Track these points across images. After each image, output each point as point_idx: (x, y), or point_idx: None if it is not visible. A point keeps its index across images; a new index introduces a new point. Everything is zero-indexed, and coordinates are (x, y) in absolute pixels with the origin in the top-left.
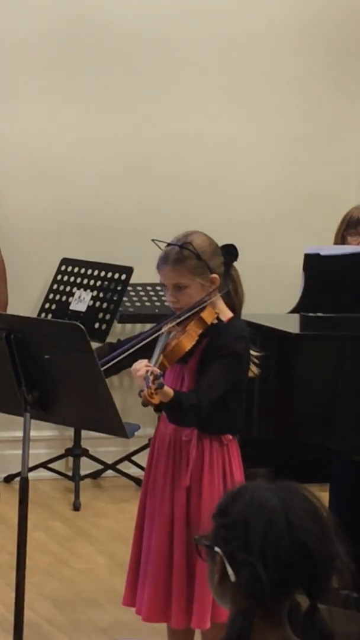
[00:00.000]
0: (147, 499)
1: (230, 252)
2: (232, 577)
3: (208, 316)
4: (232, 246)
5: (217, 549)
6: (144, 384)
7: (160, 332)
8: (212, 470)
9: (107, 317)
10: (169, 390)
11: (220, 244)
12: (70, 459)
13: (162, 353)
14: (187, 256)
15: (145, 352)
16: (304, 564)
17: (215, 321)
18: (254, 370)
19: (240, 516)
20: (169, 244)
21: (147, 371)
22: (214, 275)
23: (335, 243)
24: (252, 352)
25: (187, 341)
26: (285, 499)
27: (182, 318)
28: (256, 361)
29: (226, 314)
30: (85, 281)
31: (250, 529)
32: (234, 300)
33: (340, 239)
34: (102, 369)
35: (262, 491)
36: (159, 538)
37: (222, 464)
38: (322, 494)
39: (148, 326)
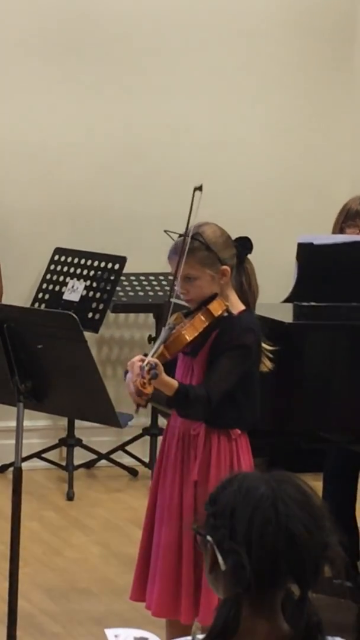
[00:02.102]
0: (157, 493)
1: (244, 245)
2: (222, 566)
3: (216, 308)
4: (247, 239)
5: (208, 537)
6: (139, 374)
7: (167, 323)
8: (219, 464)
9: (101, 306)
10: (171, 382)
11: (235, 237)
12: (64, 448)
13: (164, 343)
14: (197, 247)
15: None
16: (292, 552)
17: (225, 314)
18: (267, 364)
19: (228, 504)
20: (180, 235)
21: (143, 360)
22: (225, 267)
23: (334, 233)
24: (265, 346)
25: (190, 332)
26: (275, 488)
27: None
28: (270, 355)
29: (237, 307)
30: (78, 271)
31: (236, 516)
32: (247, 293)
33: (339, 230)
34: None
35: (251, 480)
36: (168, 532)
37: (230, 459)
38: (316, 484)
39: (142, 316)
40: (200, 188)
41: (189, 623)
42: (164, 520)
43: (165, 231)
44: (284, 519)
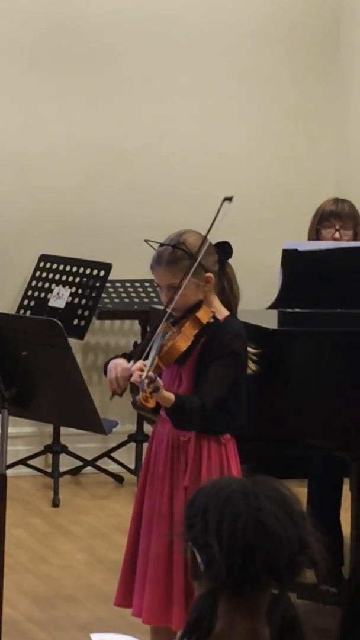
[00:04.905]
0: (144, 501)
1: (224, 250)
2: (201, 565)
3: (204, 315)
4: (227, 243)
5: (186, 539)
6: (140, 388)
7: (157, 333)
8: (210, 469)
9: (86, 313)
10: (169, 395)
11: (215, 242)
12: (50, 455)
13: (158, 355)
14: (181, 256)
15: None
16: (264, 545)
17: (211, 320)
18: (252, 367)
19: (201, 503)
20: (162, 245)
21: (141, 375)
22: (209, 274)
23: (310, 238)
24: (250, 349)
25: (183, 342)
26: (248, 485)
27: (167, 314)
28: (254, 358)
29: (222, 313)
30: (63, 278)
31: (208, 512)
32: (229, 298)
33: (315, 233)
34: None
35: (226, 480)
36: (158, 539)
37: (220, 463)
38: (301, 490)
39: (127, 323)
40: (230, 199)
41: (180, 629)
42: (154, 527)
43: (146, 241)
44: (255, 512)
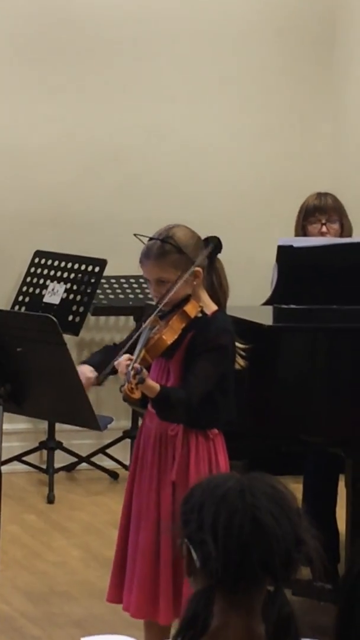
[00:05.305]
0: (133, 495)
1: (214, 245)
2: (197, 562)
3: (191, 310)
4: (216, 238)
5: (182, 535)
6: (125, 379)
7: (144, 326)
8: (198, 464)
9: (81, 309)
10: (154, 385)
11: (204, 237)
12: (44, 452)
13: (144, 347)
14: (169, 251)
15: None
16: (260, 542)
17: (200, 314)
18: (240, 362)
19: (197, 500)
20: (151, 239)
21: (128, 366)
22: (197, 268)
23: (296, 234)
24: (238, 345)
25: (169, 335)
26: (244, 482)
27: (159, 309)
28: (242, 353)
29: (210, 307)
30: (58, 274)
31: (204, 509)
32: (218, 293)
33: (301, 229)
34: (107, 374)
35: (222, 477)
36: (146, 534)
37: (209, 458)
38: (296, 486)
39: (122, 319)
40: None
41: (168, 624)
42: (141, 521)
43: (135, 235)
44: (251, 509)
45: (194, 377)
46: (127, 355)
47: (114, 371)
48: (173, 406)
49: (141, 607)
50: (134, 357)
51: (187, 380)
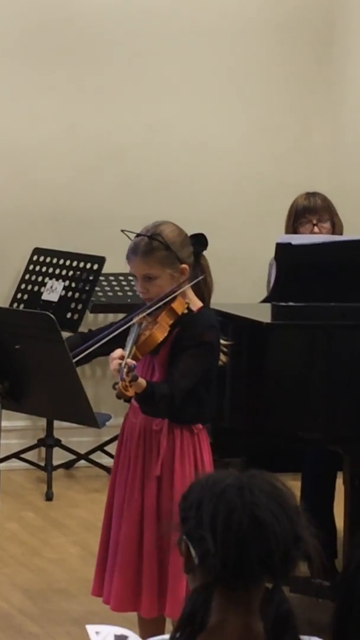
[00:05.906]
0: (115, 489)
1: (199, 242)
2: (195, 559)
3: (179, 306)
4: (202, 235)
5: (180, 532)
6: (118, 376)
7: (131, 323)
8: (183, 459)
9: (79, 307)
10: (142, 382)
11: (191, 234)
12: (43, 449)
13: (135, 345)
14: (156, 247)
15: (117, 342)
16: (259, 539)
17: (186, 311)
18: (222, 358)
19: (196, 497)
20: (138, 235)
21: (121, 364)
22: (184, 265)
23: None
24: (222, 341)
25: (159, 332)
26: (243, 479)
27: (152, 308)
28: (225, 350)
29: (196, 304)
30: (57, 271)
31: (203, 506)
32: (203, 289)
33: (292, 232)
34: (74, 360)
35: (220, 474)
36: (128, 528)
37: (193, 453)
38: (295, 484)
39: (120, 316)
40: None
41: (150, 617)
42: (124, 516)
43: (122, 231)
44: (250, 506)
45: (178, 373)
46: (119, 352)
47: (86, 360)
48: (157, 402)
49: (122, 600)
50: (125, 354)
51: (171, 375)
